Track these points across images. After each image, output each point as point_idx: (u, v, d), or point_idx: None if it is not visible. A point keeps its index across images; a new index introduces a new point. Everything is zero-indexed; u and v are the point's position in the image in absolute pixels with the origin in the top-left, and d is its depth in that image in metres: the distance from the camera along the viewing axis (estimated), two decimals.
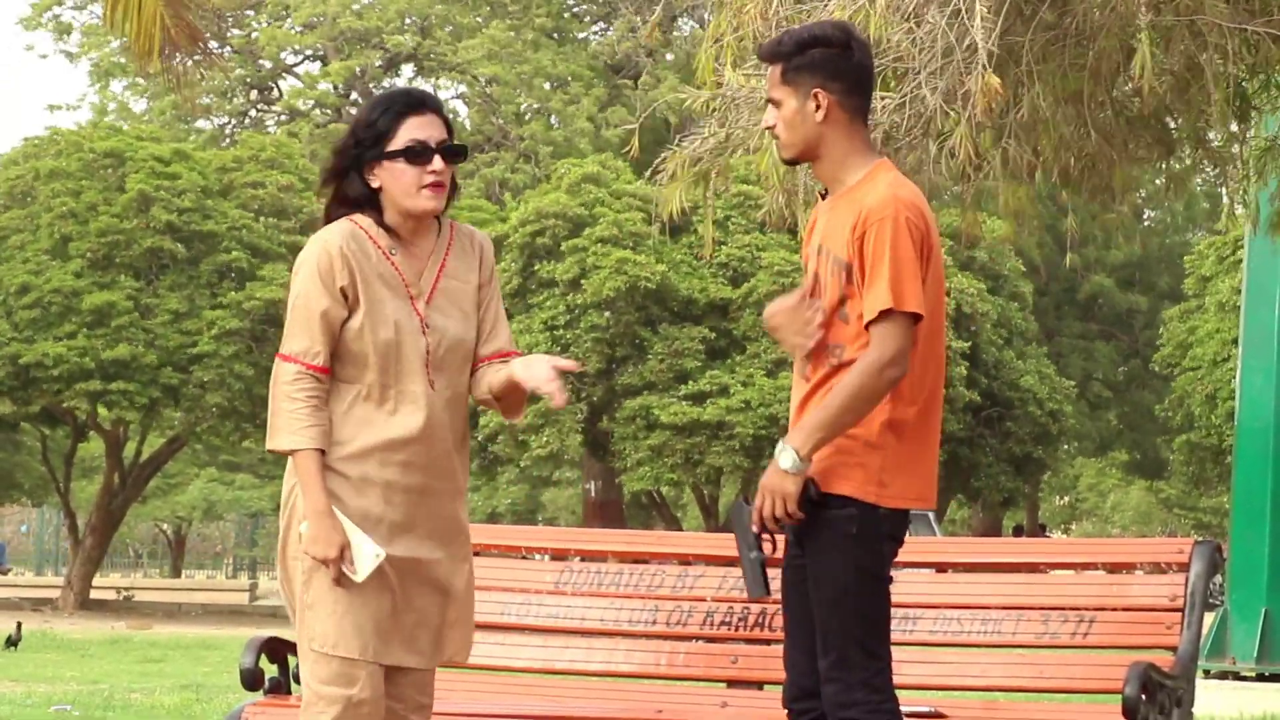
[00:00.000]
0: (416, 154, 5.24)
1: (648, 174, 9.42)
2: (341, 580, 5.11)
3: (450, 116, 5.98)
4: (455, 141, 5.35)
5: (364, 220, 5.27)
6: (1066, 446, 43.17)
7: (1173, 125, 9.72)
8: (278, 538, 5.31)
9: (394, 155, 5.24)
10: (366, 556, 5.09)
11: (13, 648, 20.51)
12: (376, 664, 5.18)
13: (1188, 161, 10.34)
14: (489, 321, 5.40)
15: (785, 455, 5.04)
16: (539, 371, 5.27)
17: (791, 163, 5.37)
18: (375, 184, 5.27)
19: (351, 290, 5.20)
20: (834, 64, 5.18)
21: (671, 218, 9.15)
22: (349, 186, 5.29)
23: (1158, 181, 9.94)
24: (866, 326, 5.06)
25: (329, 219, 5.31)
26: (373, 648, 5.16)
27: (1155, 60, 8.31)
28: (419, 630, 5.26)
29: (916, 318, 5.04)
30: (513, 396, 5.38)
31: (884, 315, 5.03)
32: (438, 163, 5.27)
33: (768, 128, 5.30)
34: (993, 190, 9.63)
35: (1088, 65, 8.66)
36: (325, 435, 5.16)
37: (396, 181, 5.25)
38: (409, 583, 5.23)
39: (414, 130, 5.26)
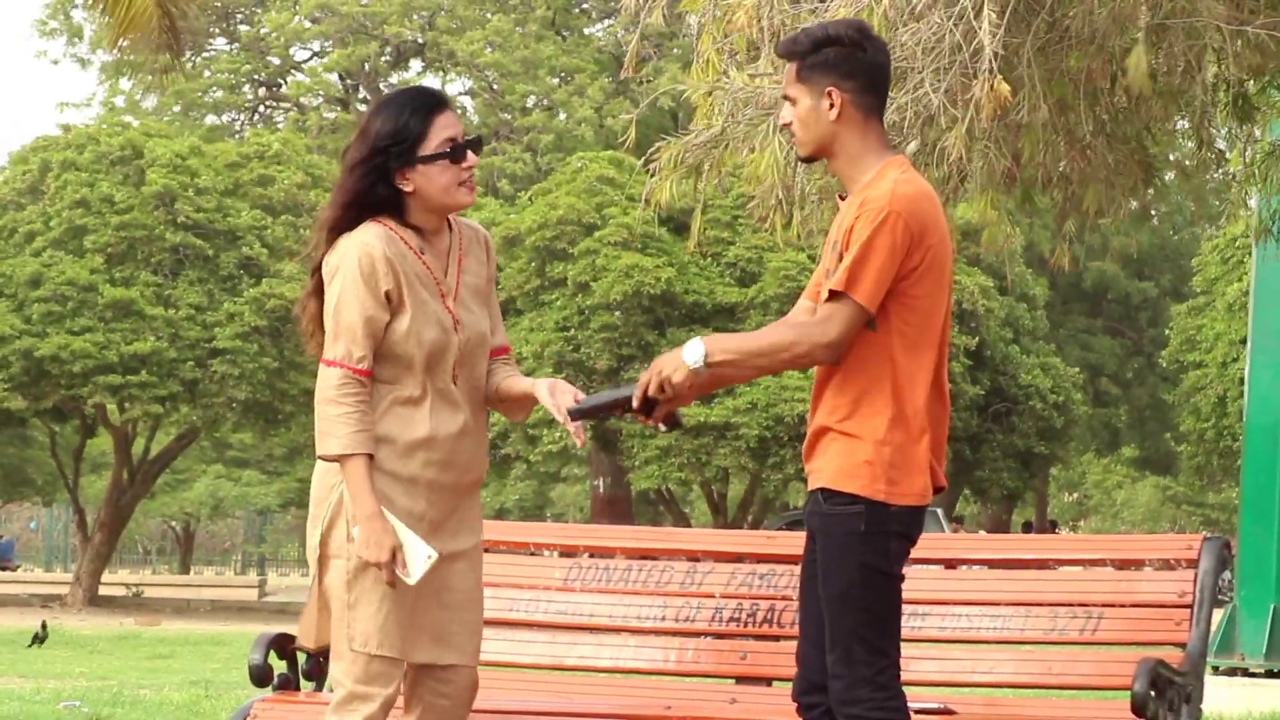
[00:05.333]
0: (456, 154, 5.24)
1: (641, 162, 9.34)
2: (394, 582, 5.08)
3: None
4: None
5: (389, 222, 5.25)
6: (1074, 441, 43.05)
7: (1152, 149, 9.63)
8: (311, 535, 5.25)
9: (431, 158, 5.22)
10: (419, 558, 5.07)
11: (38, 644, 20.64)
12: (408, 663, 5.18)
13: (1164, 183, 10.26)
14: (492, 318, 5.42)
15: (695, 350, 5.08)
16: (564, 401, 5.29)
17: (807, 160, 5.39)
18: (408, 188, 5.24)
19: (396, 293, 5.18)
20: (848, 63, 5.19)
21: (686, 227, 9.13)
22: (372, 194, 5.23)
23: (1133, 204, 9.82)
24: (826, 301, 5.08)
25: (340, 227, 5.24)
26: (413, 647, 5.17)
27: (1145, 68, 8.23)
28: (458, 625, 5.27)
29: (866, 314, 5.04)
30: (522, 405, 5.41)
31: (835, 295, 5.06)
32: (472, 158, 5.29)
33: (784, 125, 5.32)
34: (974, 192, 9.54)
35: (1076, 73, 8.61)
36: (372, 440, 5.14)
37: (434, 182, 5.23)
38: (448, 578, 5.23)
39: (444, 129, 5.26)
